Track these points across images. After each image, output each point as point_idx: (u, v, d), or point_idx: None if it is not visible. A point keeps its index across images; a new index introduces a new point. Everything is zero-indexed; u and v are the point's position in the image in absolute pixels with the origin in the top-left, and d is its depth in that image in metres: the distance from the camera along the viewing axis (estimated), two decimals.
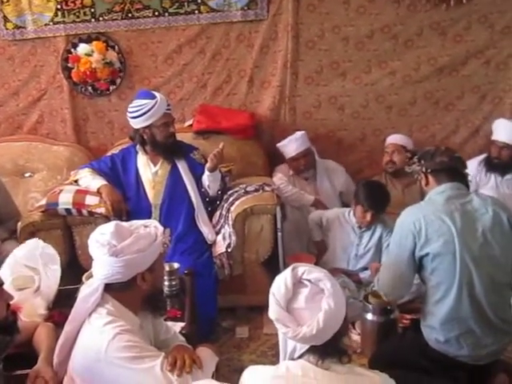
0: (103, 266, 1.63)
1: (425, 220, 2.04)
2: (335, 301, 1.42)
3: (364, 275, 3.05)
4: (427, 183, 2.22)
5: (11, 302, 1.66)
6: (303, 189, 3.48)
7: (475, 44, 3.58)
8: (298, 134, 3.50)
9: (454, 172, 2.17)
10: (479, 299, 2.00)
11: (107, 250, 1.60)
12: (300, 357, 1.46)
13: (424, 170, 2.22)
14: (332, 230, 3.17)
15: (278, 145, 3.54)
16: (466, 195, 2.13)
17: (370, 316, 2.58)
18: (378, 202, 2.95)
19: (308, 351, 1.45)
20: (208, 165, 3.04)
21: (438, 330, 2.06)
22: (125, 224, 1.72)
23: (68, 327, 1.67)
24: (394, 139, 3.55)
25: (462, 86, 3.69)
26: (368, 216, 2.94)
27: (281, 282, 1.47)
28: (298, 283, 1.47)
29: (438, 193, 2.13)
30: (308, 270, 1.48)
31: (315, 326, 1.40)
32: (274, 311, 1.47)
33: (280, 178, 3.44)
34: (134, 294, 1.69)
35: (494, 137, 3.38)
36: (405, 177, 3.45)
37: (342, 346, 1.47)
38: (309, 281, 1.46)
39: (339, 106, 3.77)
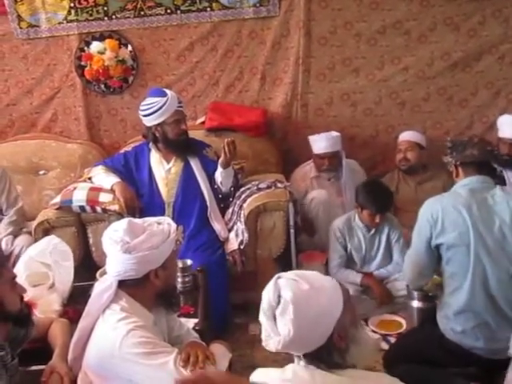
0: (116, 263, 1.64)
1: (442, 211, 2.06)
2: (297, 326, 1.31)
3: (378, 273, 3.06)
4: (457, 175, 2.22)
5: (26, 299, 1.68)
6: (327, 190, 3.39)
7: (489, 39, 3.54)
8: (332, 134, 3.40)
9: (483, 165, 2.16)
10: (494, 294, 1.98)
11: (120, 247, 1.61)
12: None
13: (454, 161, 2.21)
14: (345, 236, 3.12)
15: (310, 137, 3.45)
16: (491, 189, 2.11)
17: (415, 303, 2.62)
18: (384, 203, 2.96)
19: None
20: (221, 159, 3.03)
21: (453, 320, 2.06)
22: (138, 221, 1.73)
23: (82, 323, 1.68)
24: (407, 136, 3.50)
25: (475, 81, 3.65)
26: (377, 218, 2.94)
27: (267, 288, 1.41)
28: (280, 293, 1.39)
29: (462, 185, 2.14)
30: (287, 285, 1.37)
31: (274, 345, 1.35)
32: (260, 313, 1.41)
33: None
34: (148, 291, 1.69)
35: (501, 134, 3.25)
36: (418, 174, 3.43)
37: (334, 360, 1.36)
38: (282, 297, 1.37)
39: (352, 103, 3.75)
